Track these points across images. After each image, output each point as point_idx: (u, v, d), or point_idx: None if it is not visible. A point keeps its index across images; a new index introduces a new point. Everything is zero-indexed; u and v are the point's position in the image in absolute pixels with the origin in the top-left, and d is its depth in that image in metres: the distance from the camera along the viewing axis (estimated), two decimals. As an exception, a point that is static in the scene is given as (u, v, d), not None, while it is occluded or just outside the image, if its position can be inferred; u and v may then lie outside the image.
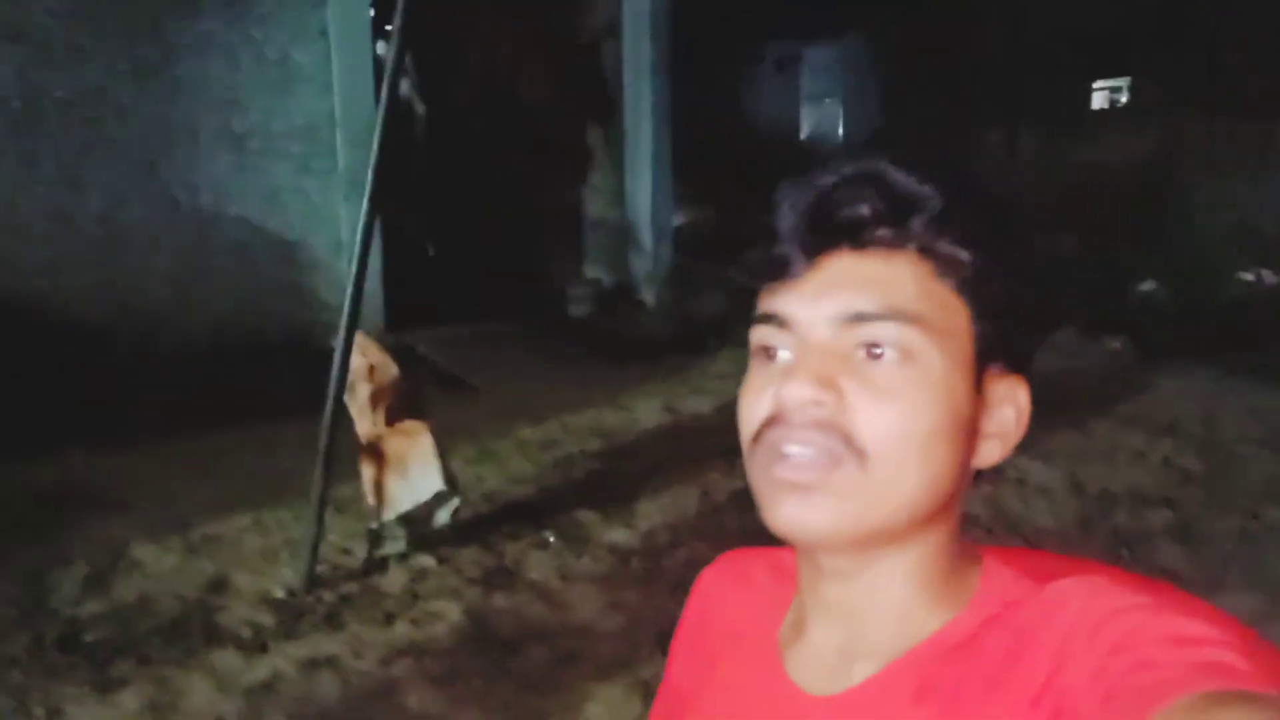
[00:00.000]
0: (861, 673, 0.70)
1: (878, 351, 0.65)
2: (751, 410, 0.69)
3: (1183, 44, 12.15)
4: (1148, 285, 9.80)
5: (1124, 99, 15.11)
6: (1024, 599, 0.66)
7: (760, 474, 0.68)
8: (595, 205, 9.80)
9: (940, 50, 13.49)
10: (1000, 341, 0.68)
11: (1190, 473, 5.04)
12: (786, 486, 0.66)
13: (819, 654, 0.73)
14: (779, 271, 0.69)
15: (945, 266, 0.66)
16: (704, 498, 4.66)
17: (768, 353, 0.70)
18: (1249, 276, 11.41)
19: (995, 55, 13.48)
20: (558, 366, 7.15)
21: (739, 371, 0.73)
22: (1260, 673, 0.52)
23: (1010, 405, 0.70)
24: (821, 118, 15.53)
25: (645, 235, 8.91)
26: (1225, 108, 11.55)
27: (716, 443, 5.33)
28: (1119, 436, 5.50)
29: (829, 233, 0.67)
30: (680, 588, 3.33)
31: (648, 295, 8.83)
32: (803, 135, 15.56)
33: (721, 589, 0.89)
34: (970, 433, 0.68)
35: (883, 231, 0.66)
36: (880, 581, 0.70)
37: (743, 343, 0.74)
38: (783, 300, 0.69)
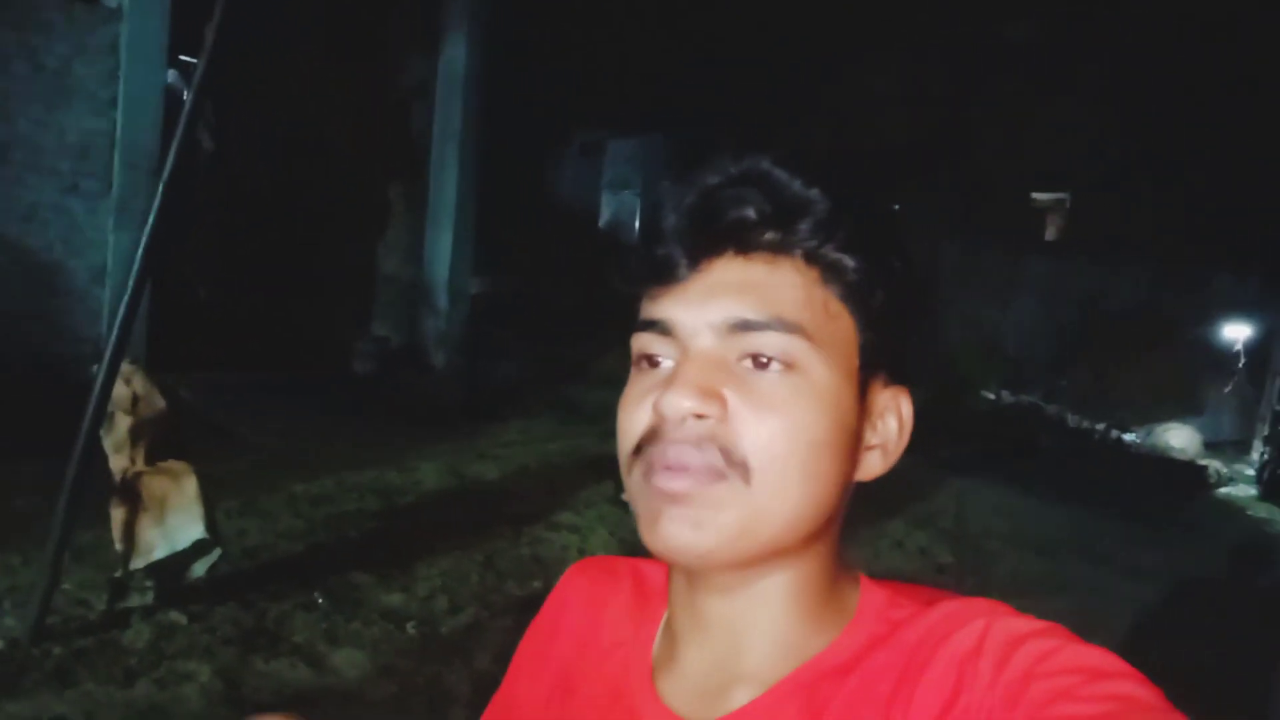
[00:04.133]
0: (741, 697, 0.65)
1: (763, 361, 0.62)
2: (631, 421, 0.65)
3: (945, 175, 13.39)
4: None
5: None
6: (910, 620, 0.64)
7: (639, 489, 0.64)
8: (389, 262, 9.57)
9: (733, 155, 14.20)
10: (884, 351, 0.67)
11: (943, 564, 5.38)
12: (666, 499, 0.61)
13: (694, 677, 0.69)
14: (661, 274, 0.65)
15: (830, 273, 0.64)
16: (487, 564, 4.52)
17: (649, 361, 0.66)
18: (990, 394, 12.54)
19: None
20: (337, 423, 6.83)
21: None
22: (1168, 709, 0.52)
23: (893, 415, 0.69)
24: (620, 207, 15.96)
25: (440, 297, 8.75)
26: (981, 238, 12.79)
27: (503, 509, 5.22)
28: (881, 526, 5.81)
29: (713, 235, 0.64)
30: (459, 654, 3.17)
31: (438, 357, 8.63)
32: (601, 221, 15.91)
33: (582, 600, 0.82)
34: (854, 445, 0.66)
35: (768, 235, 0.64)
36: (761, 599, 0.66)
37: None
38: (665, 305, 0.65)
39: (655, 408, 0.62)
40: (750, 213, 0.63)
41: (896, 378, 0.69)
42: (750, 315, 0.62)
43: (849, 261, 0.64)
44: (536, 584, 4.36)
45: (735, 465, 0.61)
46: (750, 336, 0.62)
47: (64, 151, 6.76)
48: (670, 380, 0.62)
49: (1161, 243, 12.34)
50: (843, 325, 0.64)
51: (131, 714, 3.02)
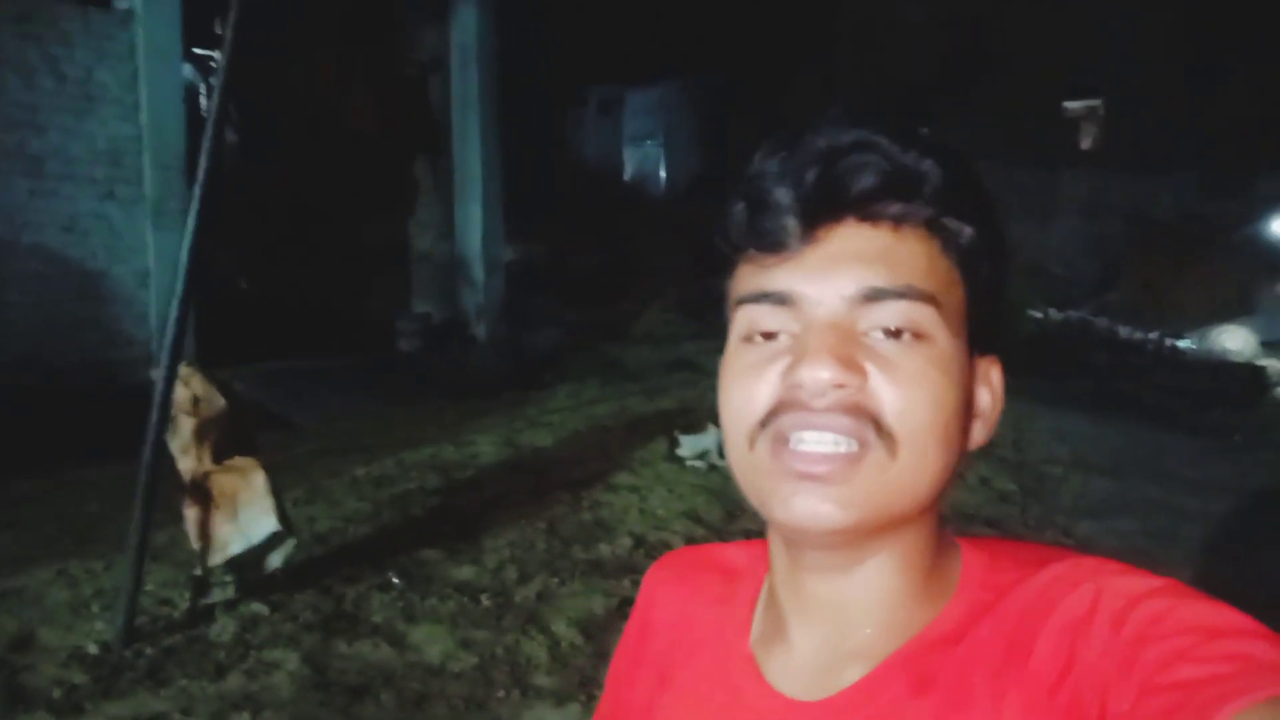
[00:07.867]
0: (851, 675, 0.65)
1: (894, 331, 0.61)
2: (752, 396, 0.64)
3: (978, 100, 13.14)
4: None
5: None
6: (1015, 585, 0.63)
7: (767, 464, 0.63)
8: (423, 239, 9.61)
9: (756, 97, 14.03)
10: (986, 321, 0.67)
11: (1006, 493, 5.35)
12: (805, 478, 0.61)
13: (803, 658, 0.69)
14: (774, 244, 0.63)
15: (950, 243, 0.64)
16: (551, 531, 4.58)
17: (765, 335, 0.65)
18: (1037, 314, 12.39)
19: (806, 102, 14.16)
20: (388, 402, 6.92)
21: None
22: None
23: (986, 386, 0.68)
24: (643, 159, 15.85)
25: (476, 269, 8.79)
26: (1017, 158, 12.57)
27: (560, 475, 5.27)
28: (939, 461, 5.78)
29: (837, 204, 0.63)
30: (533, 622, 3.22)
31: (479, 329, 8.69)
32: (626, 175, 15.81)
33: (669, 594, 0.83)
34: (971, 415, 0.66)
35: (894, 205, 0.63)
36: (871, 575, 0.66)
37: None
38: (781, 276, 0.63)
39: (790, 378, 0.62)
40: (875, 180, 0.62)
41: (989, 348, 0.69)
42: (882, 283, 0.61)
43: (967, 231, 0.64)
44: (601, 547, 4.41)
45: (884, 437, 0.60)
46: (883, 306, 0.62)
47: (96, 159, 6.85)
48: (803, 351, 0.61)
49: (1200, 146, 12.04)
50: (957, 295, 0.64)
51: (225, 706, 3.12)
